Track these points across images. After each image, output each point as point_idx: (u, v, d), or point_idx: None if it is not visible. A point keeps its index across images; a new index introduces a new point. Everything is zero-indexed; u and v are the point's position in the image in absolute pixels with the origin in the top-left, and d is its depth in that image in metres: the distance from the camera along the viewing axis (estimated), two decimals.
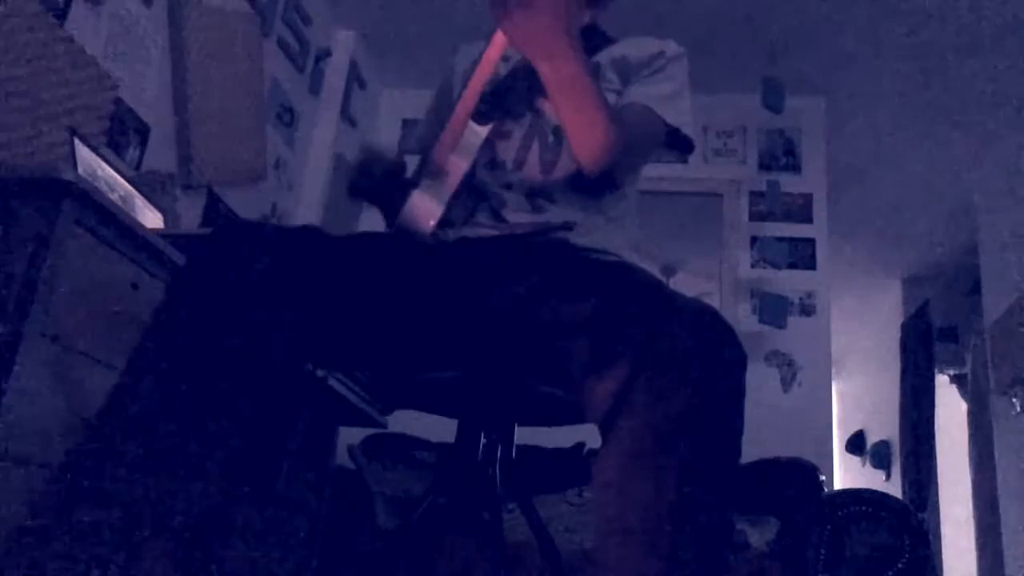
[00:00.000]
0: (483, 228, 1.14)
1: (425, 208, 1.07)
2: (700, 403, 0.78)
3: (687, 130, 1.25)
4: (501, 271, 1.06)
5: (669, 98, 1.23)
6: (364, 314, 0.99)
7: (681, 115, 1.24)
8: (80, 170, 1.79)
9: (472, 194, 1.16)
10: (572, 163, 1.15)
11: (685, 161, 1.30)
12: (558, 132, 1.18)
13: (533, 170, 1.16)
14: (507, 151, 1.18)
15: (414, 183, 1.11)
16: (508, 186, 1.17)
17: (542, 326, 0.95)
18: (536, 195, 1.16)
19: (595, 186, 1.15)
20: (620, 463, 0.79)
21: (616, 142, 1.08)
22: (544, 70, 1.01)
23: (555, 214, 1.15)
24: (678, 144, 1.27)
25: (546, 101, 1.15)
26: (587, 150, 1.08)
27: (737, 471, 0.81)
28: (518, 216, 1.15)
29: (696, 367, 0.78)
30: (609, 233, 1.19)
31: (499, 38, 1.04)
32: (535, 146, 1.18)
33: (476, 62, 1.23)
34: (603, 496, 0.81)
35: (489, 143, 1.18)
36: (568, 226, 1.15)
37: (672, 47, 1.28)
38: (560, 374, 0.95)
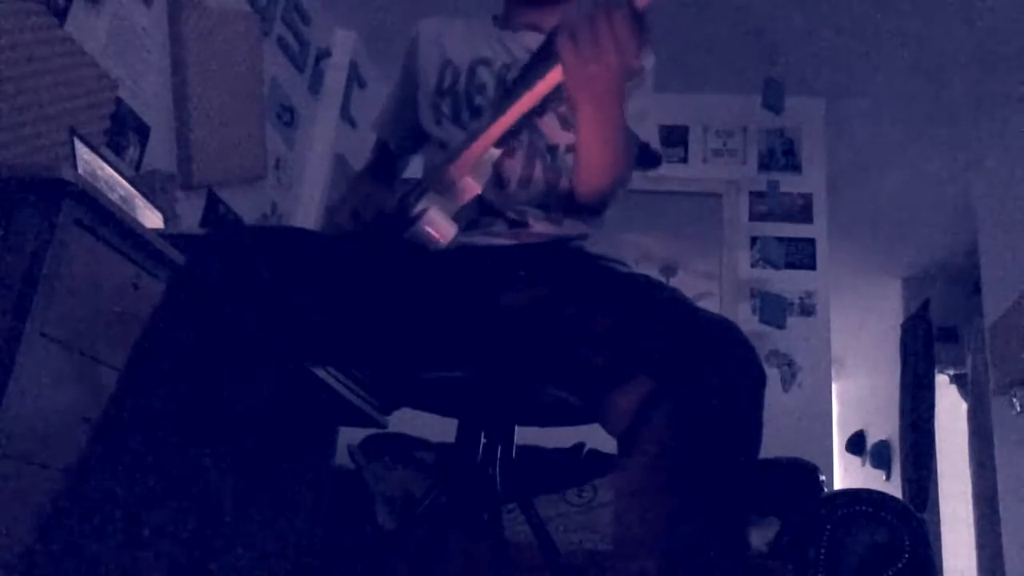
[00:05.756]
0: (500, 237, 1.14)
1: (439, 227, 1.06)
2: (721, 419, 0.78)
3: (654, 144, 1.25)
4: (515, 276, 1.06)
5: (640, 115, 1.23)
6: (371, 314, 0.99)
7: (649, 130, 1.24)
8: (80, 170, 1.79)
9: (487, 212, 1.16)
10: (568, 183, 1.16)
11: (660, 165, 1.30)
12: (553, 151, 1.18)
13: (539, 186, 1.16)
14: (512, 169, 1.17)
15: (420, 193, 1.10)
16: (521, 201, 1.17)
17: (560, 333, 0.94)
18: (550, 208, 1.16)
19: (585, 211, 1.17)
20: (641, 475, 0.80)
21: (623, 178, 1.10)
22: (587, 110, 1.01)
23: (570, 226, 1.16)
24: (647, 161, 1.26)
25: (543, 120, 1.15)
26: (595, 182, 1.10)
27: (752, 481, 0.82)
28: (540, 225, 1.15)
29: (718, 383, 0.79)
30: (602, 240, 1.20)
31: (555, 75, 1.01)
32: (538, 164, 1.17)
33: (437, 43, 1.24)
34: (623, 506, 0.81)
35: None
36: (584, 235, 1.16)
37: (647, 58, 1.26)
38: (574, 381, 0.95)
